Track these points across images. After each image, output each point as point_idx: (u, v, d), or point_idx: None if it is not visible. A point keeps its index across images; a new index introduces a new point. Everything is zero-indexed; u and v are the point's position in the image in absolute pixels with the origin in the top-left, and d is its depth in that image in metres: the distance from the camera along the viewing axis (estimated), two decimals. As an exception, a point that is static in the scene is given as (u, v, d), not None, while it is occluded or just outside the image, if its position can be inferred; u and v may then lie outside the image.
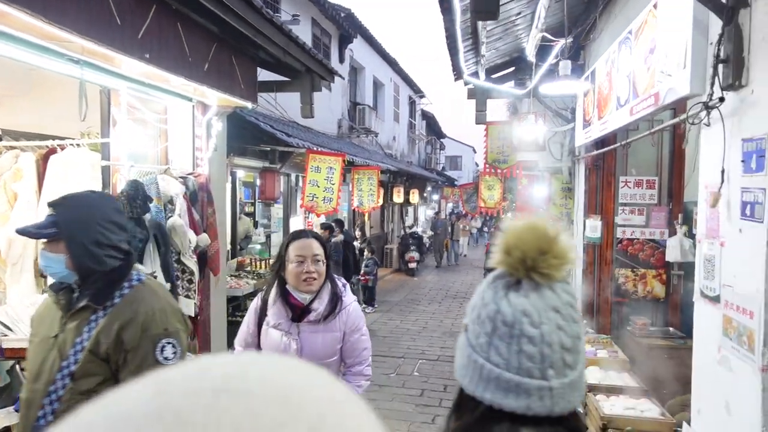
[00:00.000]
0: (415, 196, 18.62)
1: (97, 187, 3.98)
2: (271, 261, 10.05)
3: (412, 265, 15.47)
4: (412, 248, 16.12)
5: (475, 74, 5.38)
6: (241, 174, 8.67)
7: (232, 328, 7.64)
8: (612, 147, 4.17)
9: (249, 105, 5.19)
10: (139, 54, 3.38)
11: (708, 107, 2.16)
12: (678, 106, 2.82)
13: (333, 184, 7.56)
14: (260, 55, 5.21)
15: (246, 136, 7.69)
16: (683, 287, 5.00)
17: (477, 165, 44.24)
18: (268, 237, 10.64)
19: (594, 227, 4.99)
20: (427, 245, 18.81)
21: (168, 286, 4.20)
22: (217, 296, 5.61)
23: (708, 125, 2.23)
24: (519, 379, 0.85)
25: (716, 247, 2.24)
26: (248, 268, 8.49)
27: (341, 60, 13.35)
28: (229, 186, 8.15)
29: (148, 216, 4.14)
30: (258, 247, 10.72)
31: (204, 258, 4.94)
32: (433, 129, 27.86)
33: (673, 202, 5.00)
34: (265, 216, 10.87)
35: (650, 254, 5.08)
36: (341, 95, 13.47)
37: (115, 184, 4.25)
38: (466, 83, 5.51)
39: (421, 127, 24.76)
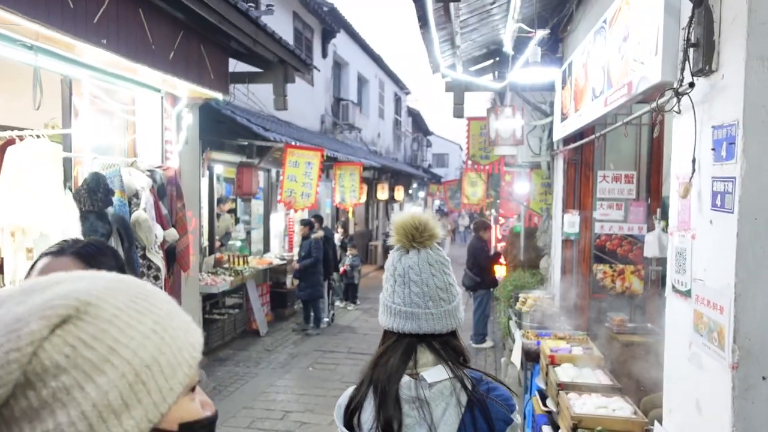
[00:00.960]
0: (400, 193, 18.53)
1: (58, 179, 3.82)
2: (251, 257, 9.95)
3: (396, 262, 15.36)
4: (396, 245, 16.01)
5: (453, 67, 5.28)
6: (220, 169, 8.51)
7: (209, 326, 7.50)
8: (588, 139, 4.09)
9: (220, 96, 5.05)
10: (96, 39, 3.23)
11: (678, 94, 2.07)
12: (652, 96, 2.74)
13: (311, 180, 7.43)
14: (232, 46, 5.07)
15: (223, 130, 7.53)
16: (661, 283, 4.95)
17: (464, 163, 44.23)
18: (248, 233, 10.49)
19: (572, 222, 4.92)
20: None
21: (132, 282, 4.06)
22: (189, 293, 5.46)
23: (679, 112, 2.14)
24: (412, 310, 1.35)
25: (687, 240, 2.15)
26: (226, 265, 8.33)
27: (324, 55, 13.20)
28: (206, 181, 7.99)
29: (111, 210, 3.99)
30: (238, 243, 10.57)
31: (173, 253, 4.80)
32: (420, 126, 27.78)
33: (651, 197, 4.94)
34: (246, 212, 10.72)
35: (628, 250, 5.02)
36: (324, 91, 13.33)
37: (76, 177, 4.09)
38: (443, 76, 5.41)
39: (407, 124, 24.68)
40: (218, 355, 7.16)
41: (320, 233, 8.43)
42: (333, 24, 13.09)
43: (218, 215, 8.77)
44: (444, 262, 1.43)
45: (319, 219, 9.01)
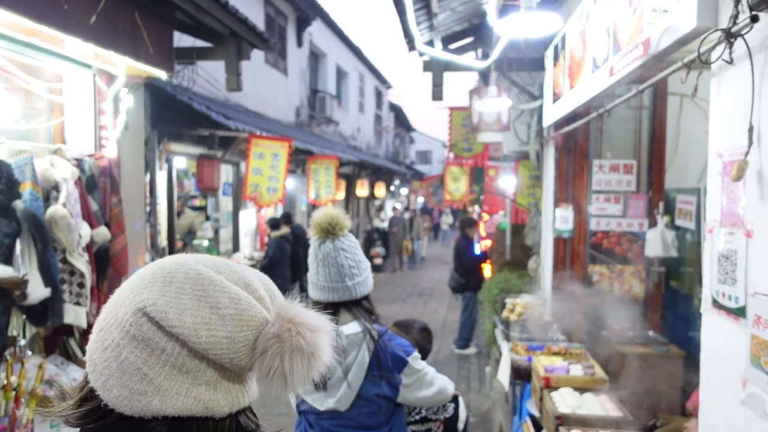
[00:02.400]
0: (381, 190, 17.92)
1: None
2: (223, 256, 9.14)
3: (378, 260, 14.78)
4: (377, 243, 15.43)
5: (431, 43, 4.68)
6: (183, 162, 7.80)
7: None
8: (583, 121, 3.52)
9: (163, 75, 4.39)
10: (-22, -11, 2.57)
11: (730, 36, 1.49)
12: (674, 56, 2.16)
13: (278, 173, 6.79)
14: (177, 17, 4.41)
15: (181, 118, 6.85)
16: (665, 286, 4.41)
17: (446, 157, 43.79)
18: (216, 232, 9.79)
19: (564, 218, 4.35)
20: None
21: (48, 291, 3.39)
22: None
23: (730, 62, 1.55)
24: (332, 284, 1.86)
25: (739, 239, 1.57)
26: (187, 267, 7.65)
27: (299, 43, 12.53)
28: (164, 175, 7.30)
29: (20, 204, 3.32)
30: (205, 242, 9.87)
31: (105, 256, 4.14)
32: (402, 122, 27.19)
33: (653, 189, 4.40)
34: (216, 209, 10.02)
35: (627, 248, 4.47)
36: (300, 81, 12.66)
37: (-22, 166, 3.41)
38: (420, 54, 4.81)
39: (389, 120, 24.06)
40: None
41: (283, 230, 7.78)
42: (308, 11, 12.43)
43: (178, 212, 8.08)
44: (353, 245, 1.92)
45: (287, 217, 8.38)
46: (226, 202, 9.58)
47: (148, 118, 6.81)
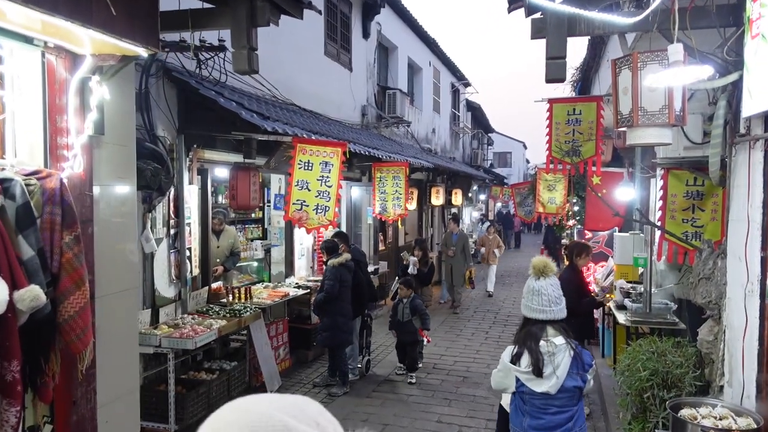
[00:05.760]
0: (458, 197, 16.13)
1: None
2: (261, 287, 7.77)
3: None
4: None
5: (547, -8, 2.98)
6: (224, 173, 6.49)
7: (185, 397, 4.77)
8: None
9: (143, 51, 2.95)
10: None
11: None
12: None
13: (329, 187, 5.26)
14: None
15: (211, 119, 5.51)
16: None
17: (528, 162, 41.01)
18: (267, 252, 8.46)
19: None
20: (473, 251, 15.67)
21: None
22: (109, 388, 3.41)
23: None
24: (543, 308, 2.89)
25: None
26: (224, 300, 6.31)
27: (365, 35, 11.05)
28: (197, 189, 6.01)
29: None
30: (255, 264, 8.57)
31: (49, 326, 2.74)
32: (480, 122, 25.17)
33: None
34: (268, 223, 8.71)
35: None
36: (366, 78, 11.18)
37: None
38: (529, 9, 3.10)
39: (466, 120, 22.17)
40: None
41: (343, 256, 6.26)
42: (376, -2, 10.93)
43: (217, 231, 6.78)
44: (556, 284, 2.98)
45: (343, 237, 6.87)
46: (278, 217, 8.22)
47: (172, 120, 5.52)
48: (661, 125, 2.65)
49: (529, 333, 2.90)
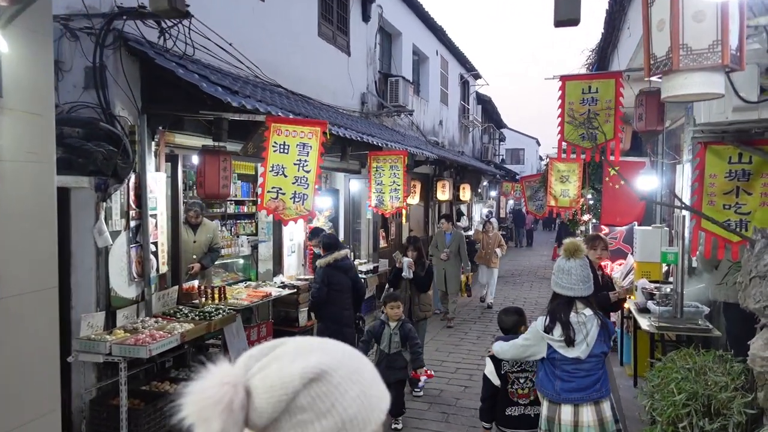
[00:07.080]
0: (466, 193, 15.40)
1: None
2: (242, 287, 7.05)
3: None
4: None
5: None
6: (197, 160, 5.83)
7: (140, 413, 4.03)
8: None
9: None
10: None
11: None
12: None
13: (308, 172, 4.60)
14: None
15: (178, 98, 4.87)
16: None
17: (542, 159, 40.08)
18: (254, 248, 7.83)
19: None
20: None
21: None
22: (14, 412, 2.78)
23: None
24: (572, 286, 3.22)
25: None
26: (196, 301, 5.67)
27: (365, 18, 10.38)
28: (164, 177, 5.38)
29: None
30: (240, 262, 7.93)
31: None
32: (491, 116, 24.39)
33: None
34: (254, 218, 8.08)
35: None
36: (366, 64, 10.51)
37: None
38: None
39: (476, 113, 21.41)
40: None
41: (335, 254, 5.59)
42: (375, -23, 10.26)
43: (194, 225, 6.15)
44: (584, 264, 3.25)
45: (321, 235, 6.19)
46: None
47: (133, 98, 4.89)
48: (711, 68, 1.95)
49: (559, 305, 3.26)
